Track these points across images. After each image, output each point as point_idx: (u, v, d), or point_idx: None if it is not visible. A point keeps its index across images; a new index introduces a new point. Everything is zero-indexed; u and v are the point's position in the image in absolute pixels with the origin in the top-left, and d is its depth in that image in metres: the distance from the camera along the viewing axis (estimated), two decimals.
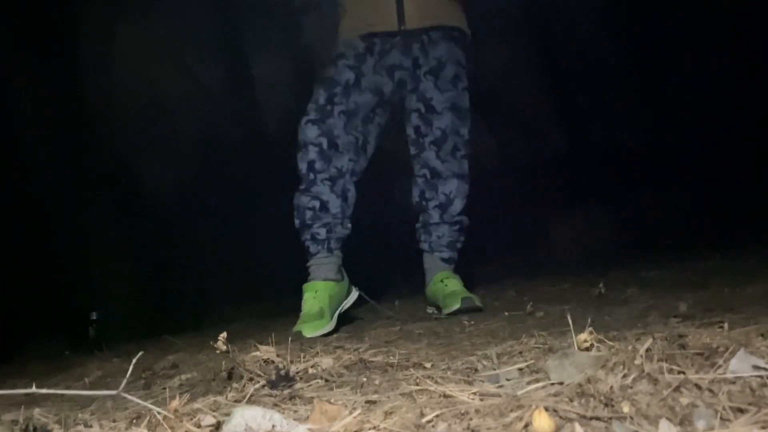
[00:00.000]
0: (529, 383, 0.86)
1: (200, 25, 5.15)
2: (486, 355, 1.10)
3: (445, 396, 0.84)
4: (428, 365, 1.09)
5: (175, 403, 0.87)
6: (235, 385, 1.05)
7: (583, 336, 0.92)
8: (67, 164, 4.17)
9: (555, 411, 0.69)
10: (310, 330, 1.75)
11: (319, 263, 1.99)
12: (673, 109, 4.76)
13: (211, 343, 1.32)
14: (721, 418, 0.63)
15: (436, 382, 0.92)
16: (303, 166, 2.02)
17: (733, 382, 0.69)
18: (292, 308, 2.06)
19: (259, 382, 1.02)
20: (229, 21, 5.20)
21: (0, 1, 3.70)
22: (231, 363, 1.12)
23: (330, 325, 1.82)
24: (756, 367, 0.72)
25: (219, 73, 5.33)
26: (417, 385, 0.92)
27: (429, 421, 0.73)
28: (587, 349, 0.90)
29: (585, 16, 4.89)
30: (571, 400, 0.72)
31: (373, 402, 0.88)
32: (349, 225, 2.06)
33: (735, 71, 4.34)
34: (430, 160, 2.10)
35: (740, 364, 0.73)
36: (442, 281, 2.07)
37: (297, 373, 1.09)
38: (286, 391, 0.98)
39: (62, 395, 1.29)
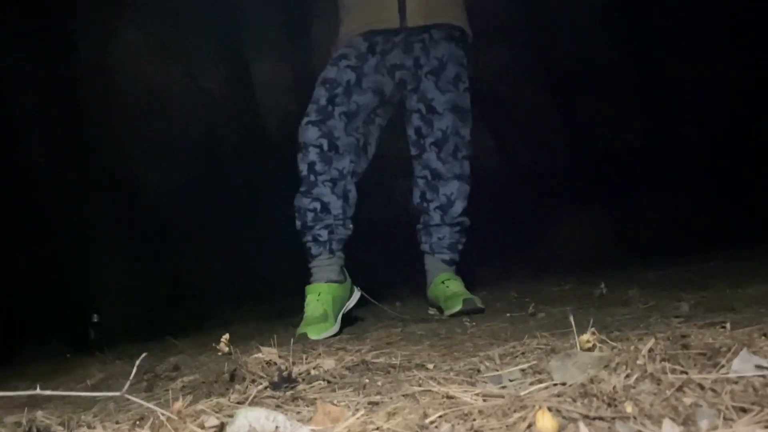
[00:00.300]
0: (532, 384, 0.86)
1: (201, 28, 5.16)
2: (488, 356, 1.10)
3: (448, 397, 0.84)
4: (431, 366, 1.09)
5: (178, 405, 0.87)
6: (237, 386, 1.05)
7: (585, 336, 0.92)
8: (68, 167, 4.17)
9: (558, 411, 0.69)
10: (314, 333, 1.75)
11: (321, 265, 1.98)
12: (674, 112, 4.76)
13: (214, 344, 1.32)
14: (724, 418, 0.64)
15: (439, 383, 0.92)
16: (303, 168, 2.01)
17: (736, 382, 0.69)
18: (294, 309, 2.06)
19: (261, 383, 1.02)
20: (230, 24, 5.21)
21: (2, 7, 3.70)
22: (233, 364, 1.12)
23: (335, 328, 1.82)
24: (759, 367, 0.72)
25: (219, 75, 5.33)
26: (420, 386, 0.92)
27: (432, 422, 0.73)
28: (590, 349, 0.90)
29: (587, 20, 4.90)
30: (574, 401, 0.72)
31: (376, 403, 0.88)
32: (351, 226, 2.06)
33: (736, 75, 4.34)
34: (431, 161, 2.10)
35: (743, 364, 0.73)
36: (443, 282, 2.06)
37: (299, 374, 1.09)
38: (288, 393, 0.98)
39: (65, 397, 1.29)
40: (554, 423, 0.66)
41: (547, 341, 1.14)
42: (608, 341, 0.93)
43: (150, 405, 0.89)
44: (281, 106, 4.99)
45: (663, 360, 0.78)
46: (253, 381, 1.05)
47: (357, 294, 1.99)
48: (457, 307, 1.91)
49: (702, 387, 0.70)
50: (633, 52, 4.92)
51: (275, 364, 1.13)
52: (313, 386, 1.03)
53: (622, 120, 5.02)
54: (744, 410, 0.64)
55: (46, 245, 3.78)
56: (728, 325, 0.97)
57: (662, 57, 4.82)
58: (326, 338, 1.72)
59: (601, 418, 0.67)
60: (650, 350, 0.81)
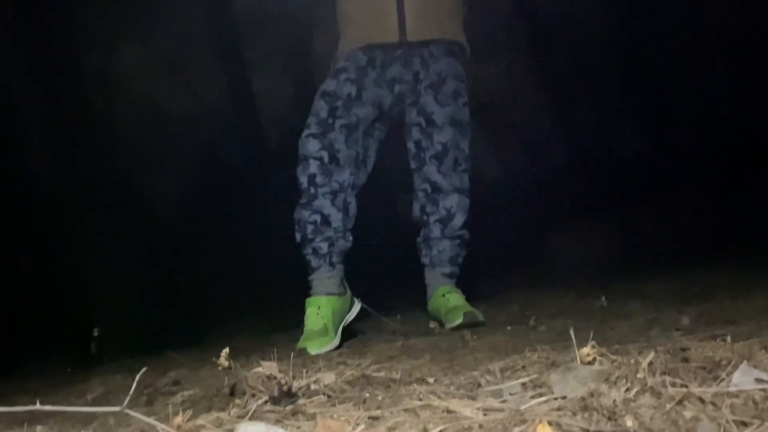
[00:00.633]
0: (532, 397, 0.86)
1: (202, 41, 5.19)
2: (489, 369, 1.10)
3: (449, 411, 0.84)
4: (431, 380, 1.09)
5: (179, 420, 0.87)
6: (237, 401, 1.05)
7: (585, 350, 0.91)
8: (69, 179, 4.18)
9: (558, 425, 0.69)
10: (314, 347, 1.75)
11: (321, 278, 1.98)
12: (674, 122, 4.77)
13: (214, 358, 1.32)
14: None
15: (440, 398, 0.92)
16: (304, 180, 2.01)
17: (736, 396, 0.69)
18: (294, 323, 2.05)
19: (261, 398, 1.02)
20: (231, 36, 5.24)
21: (6, 18, 3.73)
22: (233, 379, 1.12)
23: (334, 342, 1.81)
24: (759, 380, 0.72)
25: (221, 87, 5.36)
26: (420, 400, 0.92)
27: None
28: (590, 362, 0.90)
29: (585, 30, 4.92)
30: (575, 414, 0.72)
31: (376, 418, 0.87)
32: (351, 238, 2.06)
33: (735, 84, 4.36)
34: (431, 174, 2.10)
35: (743, 378, 0.73)
36: (443, 296, 2.06)
37: (299, 388, 1.08)
38: (288, 407, 0.98)
39: (64, 412, 1.28)
40: None
41: (547, 354, 1.14)
42: (608, 354, 0.93)
43: (150, 420, 0.89)
44: (282, 117, 5.01)
45: (663, 373, 0.78)
46: (254, 395, 1.04)
47: (357, 306, 1.99)
48: (458, 321, 1.91)
49: (702, 400, 0.70)
50: (631, 60, 4.95)
51: (275, 378, 1.13)
52: (313, 401, 1.03)
53: (623, 132, 5.03)
54: (744, 424, 0.64)
55: (46, 259, 3.78)
56: (729, 338, 0.97)
57: (661, 65, 4.84)
58: (326, 352, 1.72)
59: None
60: (650, 363, 0.81)
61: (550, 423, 0.68)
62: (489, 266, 3.37)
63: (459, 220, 2.10)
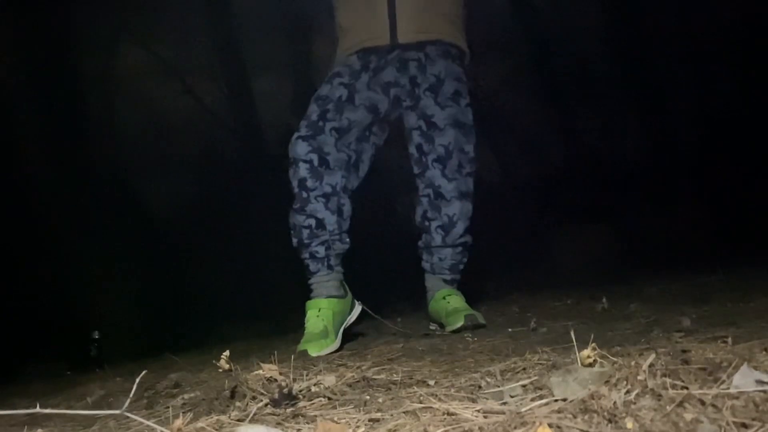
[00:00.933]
0: (532, 400, 0.86)
1: (202, 44, 5.20)
2: (489, 372, 1.10)
3: (449, 414, 0.84)
4: (432, 383, 1.09)
5: (179, 423, 0.87)
6: (238, 403, 1.05)
7: (586, 352, 0.91)
8: (69, 183, 4.18)
9: (559, 427, 0.69)
10: (315, 349, 1.74)
11: (321, 281, 1.97)
12: (674, 126, 4.78)
13: (214, 361, 1.32)
14: None
15: (440, 400, 0.92)
16: (295, 184, 2.00)
17: (737, 397, 0.69)
18: (295, 326, 2.05)
19: (262, 400, 1.02)
20: (230, 40, 5.24)
21: (7, 23, 3.74)
22: (234, 381, 1.12)
23: (335, 344, 1.81)
24: (759, 382, 0.72)
25: (220, 91, 5.36)
26: (420, 402, 0.92)
27: None
28: (590, 365, 0.90)
29: (585, 33, 4.93)
30: (575, 417, 0.72)
31: (377, 420, 0.87)
32: (348, 239, 2.04)
33: (736, 87, 4.36)
34: (435, 178, 2.07)
35: (744, 379, 0.73)
36: (444, 298, 2.05)
37: (300, 391, 1.08)
38: (289, 410, 0.97)
39: (65, 415, 1.28)
40: None
41: (548, 357, 1.14)
42: (609, 356, 0.93)
43: (150, 423, 0.89)
44: (281, 122, 5.02)
45: (664, 375, 0.78)
46: (254, 398, 1.04)
47: (358, 308, 1.99)
48: (459, 323, 1.90)
49: (703, 402, 0.69)
50: (634, 68, 4.95)
51: (276, 380, 1.13)
52: (313, 403, 1.03)
53: (623, 136, 5.04)
54: (745, 426, 0.64)
55: (46, 263, 3.78)
56: (729, 340, 0.97)
57: (662, 69, 4.84)
58: (327, 354, 1.72)
59: None
60: (651, 365, 0.81)
61: (550, 425, 0.68)
62: (490, 268, 3.37)
63: (460, 227, 2.08)
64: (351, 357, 1.57)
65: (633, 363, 0.84)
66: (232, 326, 3.49)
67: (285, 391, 1.02)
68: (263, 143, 5.24)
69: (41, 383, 2.40)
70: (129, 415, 0.90)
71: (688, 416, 0.67)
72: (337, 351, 1.78)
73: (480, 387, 1.01)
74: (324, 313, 1.88)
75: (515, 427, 0.72)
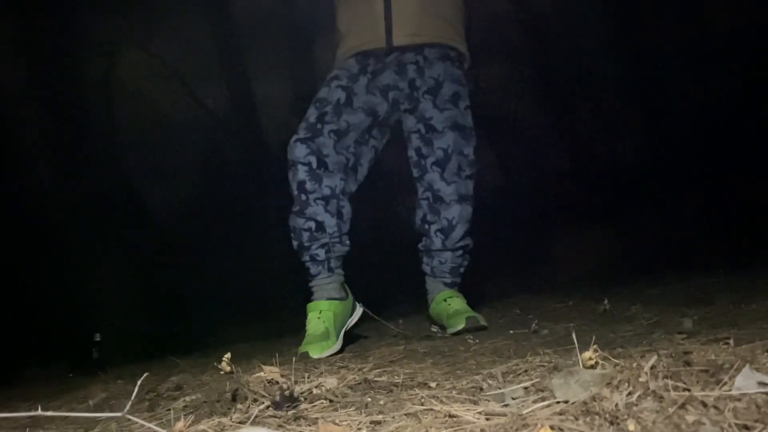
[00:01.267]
0: (534, 402, 0.86)
1: (204, 48, 5.21)
2: (491, 373, 1.10)
3: (451, 416, 0.83)
4: (433, 385, 1.08)
5: (180, 425, 0.87)
6: (239, 406, 1.05)
7: (587, 354, 0.91)
8: (71, 187, 4.19)
9: (560, 429, 0.69)
10: (316, 351, 1.74)
11: (321, 284, 1.97)
12: (676, 128, 4.77)
13: (215, 363, 1.32)
14: None
15: (442, 402, 0.92)
16: (294, 186, 1.99)
17: (739, 399, 0.69)
18: (296, 328, 2.05)
19: (263, 402, 1.02)
20: (232, 44, 5.25)
21: (9, 26, 3.75)
22: (235, 384, 1.12)
23: (336, 346, 1.81)
24: (761, 384, 0.72)
25: (222, 94, 5.37)
26: (422, 404, 0.92)
27: None
28: (592, 366, 0.90)
29: (587, 37, 4.93)
30: (577, 419, 0.72)
31: (378, 422, 0.87)
32: (348, 241, 2.04)
33: (736, 89, 4.36)
34: (435, 181, 2.06)
35: (746, 381, 0.73)
36: (445, 300, 2.05)
37: (301, 393, 1.08)
38: (290, 412, 0.97)
39: (66, 418, 1.28)
40: None
41: (549, 358, 1.14)
42: (611, 358, 0.93)
43: (152, 425, 0.89)
44: (283, 124, 5.02)
45: (665, 377, 0.78)
46: (255, 400, 1.04)
47: (359, 310, 1.98)
48: (461, 326, 1.90)
49: (705, 404, 0.69)
50: (635, 70, 4.95)
51: (277, 383, 1.13)
52: (315, 405, 1.03)
53: (625, 138, 5.04)
54: (747, 428, 0.64)
55: (48, 265, 3.79)
56: (731, 342, 0.97)
57: (662, 69, 4.84)
58: (328, 356, 1.72)
59: None
60: (653, 367, 0.81)
61: (552, 427, 0.68)
62: (491, 270, 3.37)
63: (460, 231, 2.08)
64: (352, 359, 1.57)
65: (635, 365, 0.83)
66: (233, 328, 3.49)
67: (286, 393, 1.02)
68: (264, 146, 5.24)
69: (43, 386, 2.40)
70: (131, 417, 0.90)
71: (690, 418, 0.67)
72: (338, 353, 1.78)
73: (481, 389, 1.01)
74: (325, 315, 1.88)
75: (517, 429, 0.72)
